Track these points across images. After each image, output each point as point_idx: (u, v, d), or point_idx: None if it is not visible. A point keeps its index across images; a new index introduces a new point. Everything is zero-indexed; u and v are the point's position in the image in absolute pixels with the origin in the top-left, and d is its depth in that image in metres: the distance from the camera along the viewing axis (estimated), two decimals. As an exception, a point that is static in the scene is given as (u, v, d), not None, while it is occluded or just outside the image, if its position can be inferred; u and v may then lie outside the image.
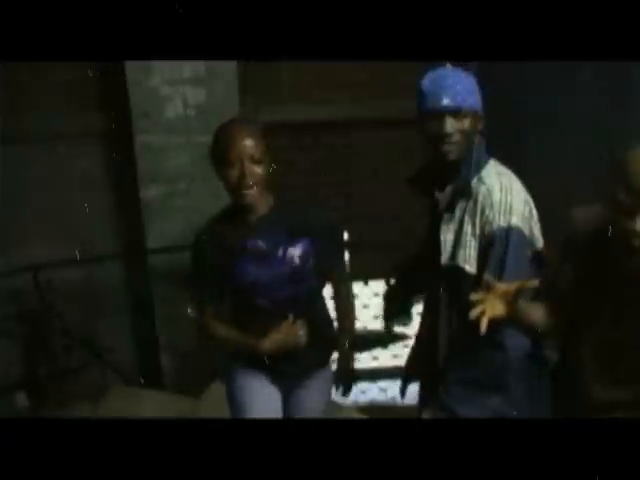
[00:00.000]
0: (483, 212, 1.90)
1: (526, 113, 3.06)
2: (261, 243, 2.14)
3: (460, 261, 1.93)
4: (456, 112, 1.86)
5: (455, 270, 1.94)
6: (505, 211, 1.89)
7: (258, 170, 2.04)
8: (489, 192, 1.90)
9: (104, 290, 3.46)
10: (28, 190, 3.28)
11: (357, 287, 3.95)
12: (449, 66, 1.92)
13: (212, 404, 3.16)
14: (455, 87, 1.86)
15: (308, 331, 2.13)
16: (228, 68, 3.11)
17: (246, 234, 2.12)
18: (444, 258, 1.96)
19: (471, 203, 1.92)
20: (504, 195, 1.90)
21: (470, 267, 1.92)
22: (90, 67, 3.13)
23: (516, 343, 1.92)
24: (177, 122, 3.11)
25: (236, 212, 2.15)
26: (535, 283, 1.73)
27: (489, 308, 1.68)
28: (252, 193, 2.05)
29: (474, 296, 1.70)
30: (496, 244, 1.88)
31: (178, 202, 3.22)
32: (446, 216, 1.97)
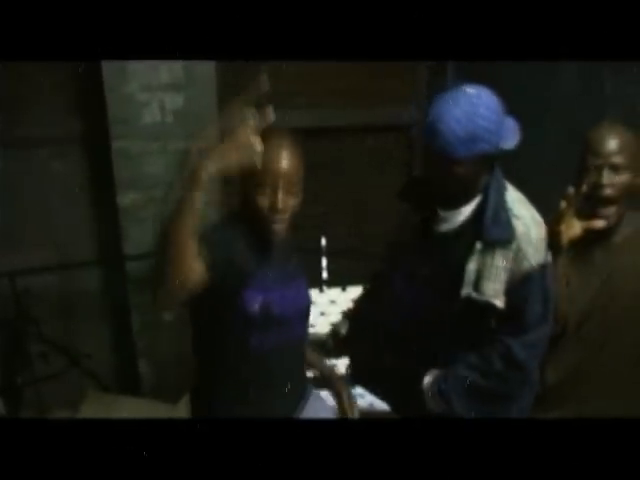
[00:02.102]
0: (520, 249, 1.87)
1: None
2: (278, 274, 1.87)
3: (490, 296, 1.89)
4: (443, 157, 1.80)
5: (481, 303, 1.90)
6: (540, 247, 1.90)
7: (292, 202, 1.76)
8: (527, 228, 1.88)
9: (81, 296, 3.44)
10: (4, 195, 3.25)
11: (335, 293, 3.97)
12: (469, 91, 1.78)
13: (189, 410, 3.15)
14: (444, 136, 1.76)
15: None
16: (207, 74, 3.11)
17: (263, 255, 1.84)
18: (466, 289, 1.91)
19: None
20: (538, 231, 1.90)
21: (500, 302, 1.89)
22: (67, 72, 3.11)
23: (532, 360, 1.95)
24: (154, 128, 3.11)
25: (254, 232, 1.81)
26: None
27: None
28: (281, 227, 1.78)
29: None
30: (533, 280, 1.89)
31: (155, 208, 3.21)
32: (477, 245, 1.90)
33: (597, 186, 2.01)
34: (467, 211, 1.94)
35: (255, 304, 1.81)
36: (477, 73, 3.30)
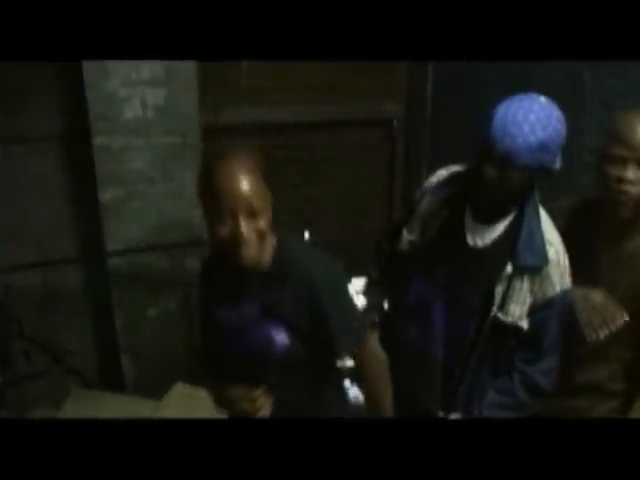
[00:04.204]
0: (549, 275, 1.86)
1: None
2: (239, 315, 1.77)
3: (516, 318, 1.90)
4: (502, 162, 1.72)
5: (506, 324, 1.91)
6: (566, 273, 1.90)
7: (258, 225, 1.59)
8: (558, 256, 1.87)
9: (63, 293, 3.42)
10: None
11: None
12: (536, 103, 1.71)
13: (173, 406, 3.15)
14: (516, 139, 1.67)
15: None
16: (187, 69, 3.10)
17: (229, 298, 1.77)
18: (494, 310, 1.91)
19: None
20: (565, 258, 1.89)
21: (525, 324, 1.90)
22: (47, 68, 3.08)
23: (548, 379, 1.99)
24: (136, 124, 3.09)
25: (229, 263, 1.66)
26: None
27: None
28: (249, 255, 1.60)
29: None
30: (555, 305, 1.90)
31: (137, 204, 3.20)
32: (508, 268, 1.88)
33: (619, 180, 1.86)
34: (500, 228, 1.91)
35: (225, 345, 1.82)
36: (458, 68, 3.32)
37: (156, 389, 3.28)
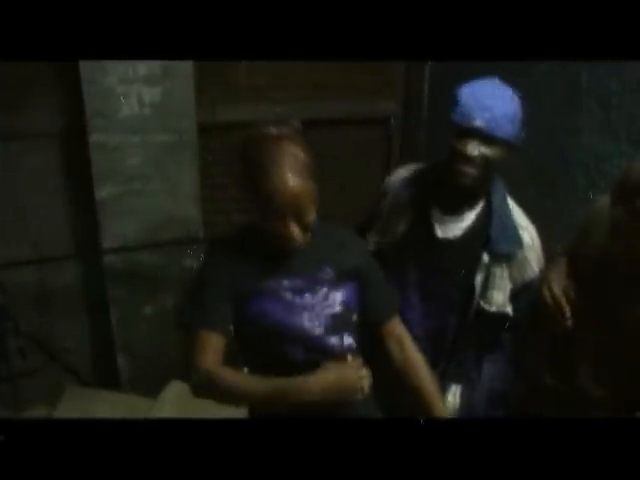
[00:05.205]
0: (525, 258, 1.90)
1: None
2: (298, 282, 1.68)
3: (499, 305, 1.92)
4: (486, 137, 1.76)
5: (491, 313, 1.93)
6: (540, 254, 1.94)
7: (307, 220, 1.58)
8: (531, 238, 1.91)
9: (59, 291, 3.41)
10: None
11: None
12: (496, 81, 1.82)
13: (169, 404, 3.15)
14: (492, 110, 1.74)
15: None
16: (184, 67, 3.09)
17: (276, 268, 1.68)
18: (476, 299, 1.93)
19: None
20: (538, 240, 1.93)
21: (510, 310, 1.94)
22: (44, 65, 3.07)
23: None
24: (132, 121, 3.08)
25: (264, 243, 1.65)
26: None
27: None
28: (295, 245, 1.61)
29: None
30: (533, 286, 1.92)
31: (133, 201, 3.19)
32: (484, 257, 1.91)
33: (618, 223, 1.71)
34: (470, 217, 1.92)
35: (264, 317, 1.69)
36: (455, 67, 3.31)
37: (152, 387, 3.28)
